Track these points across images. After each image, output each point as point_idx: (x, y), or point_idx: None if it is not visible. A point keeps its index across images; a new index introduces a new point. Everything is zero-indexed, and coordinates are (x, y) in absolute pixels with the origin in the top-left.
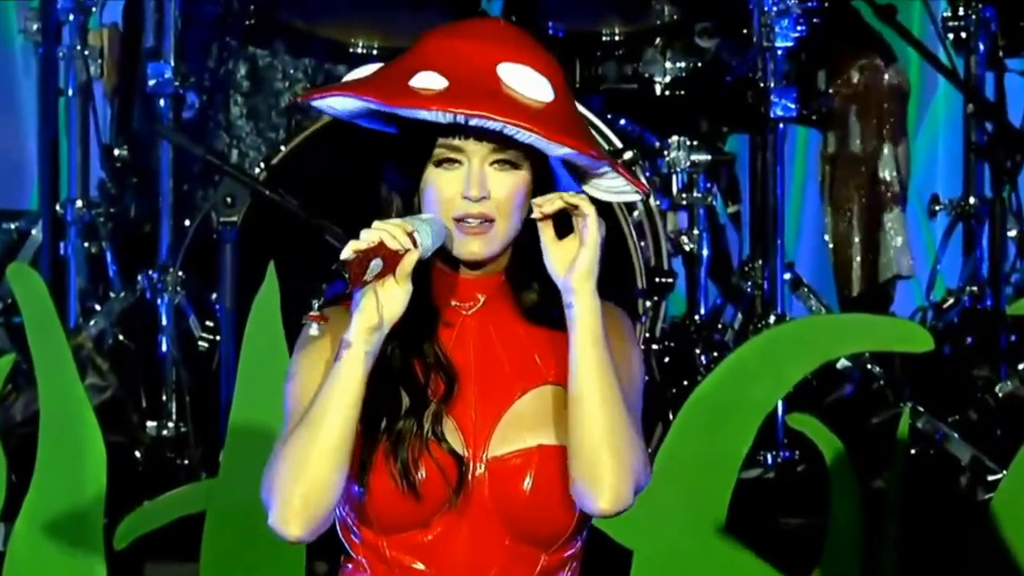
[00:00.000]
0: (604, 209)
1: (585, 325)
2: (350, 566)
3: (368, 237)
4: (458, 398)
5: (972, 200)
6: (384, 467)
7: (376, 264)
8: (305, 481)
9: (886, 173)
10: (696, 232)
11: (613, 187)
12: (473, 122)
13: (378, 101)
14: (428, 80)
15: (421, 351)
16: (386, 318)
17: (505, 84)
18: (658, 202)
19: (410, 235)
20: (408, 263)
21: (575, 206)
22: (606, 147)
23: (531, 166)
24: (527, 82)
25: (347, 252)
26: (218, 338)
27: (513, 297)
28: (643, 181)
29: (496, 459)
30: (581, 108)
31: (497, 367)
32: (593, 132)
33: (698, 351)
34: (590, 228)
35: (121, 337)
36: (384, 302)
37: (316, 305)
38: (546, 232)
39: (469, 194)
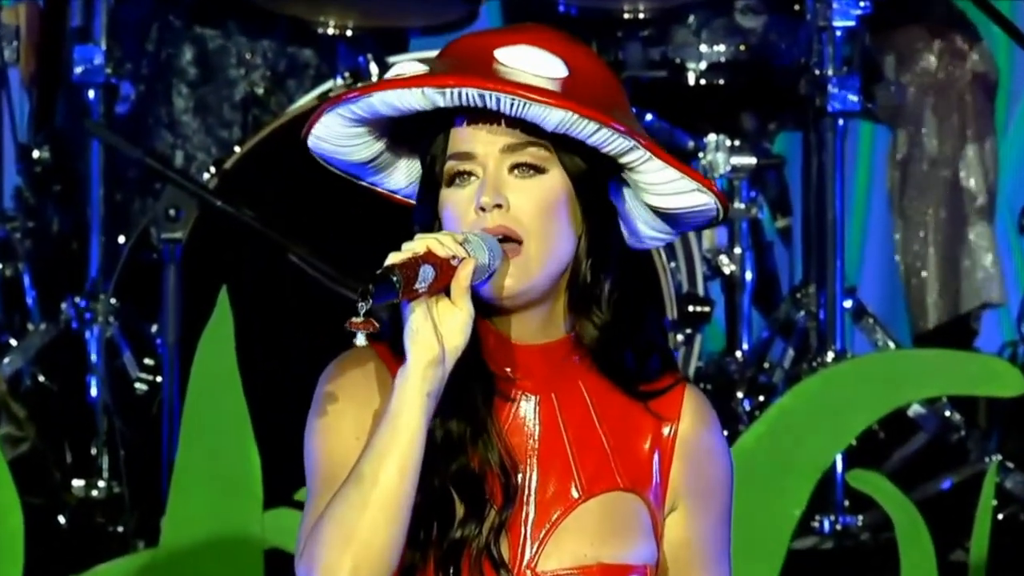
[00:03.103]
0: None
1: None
2: None
3: (412, 246)
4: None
5: None
6: None
7: (427, 271)
8: (356, 550)
9: (969, 180)
10: (738, 251)
11: (670, 185)
12: (451, 98)
13: (343, 100)
14: (404, 68)
15: (477, 436)
16: (448, 349)
17: (500, 63)
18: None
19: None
20: (464, 276)
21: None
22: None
23: (567, 169)
24: (530, 60)
25: (389, 260)
26: (159, 379)
27: (584, 366)
28: (696, 171)
29: (545, 573)
30: None
31: (560, 461)
32: (635, 121)
33: (740, 395)
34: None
35: (41, 378)
36: (443, 330)
37: (363, 309)
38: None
39: (480, 201)
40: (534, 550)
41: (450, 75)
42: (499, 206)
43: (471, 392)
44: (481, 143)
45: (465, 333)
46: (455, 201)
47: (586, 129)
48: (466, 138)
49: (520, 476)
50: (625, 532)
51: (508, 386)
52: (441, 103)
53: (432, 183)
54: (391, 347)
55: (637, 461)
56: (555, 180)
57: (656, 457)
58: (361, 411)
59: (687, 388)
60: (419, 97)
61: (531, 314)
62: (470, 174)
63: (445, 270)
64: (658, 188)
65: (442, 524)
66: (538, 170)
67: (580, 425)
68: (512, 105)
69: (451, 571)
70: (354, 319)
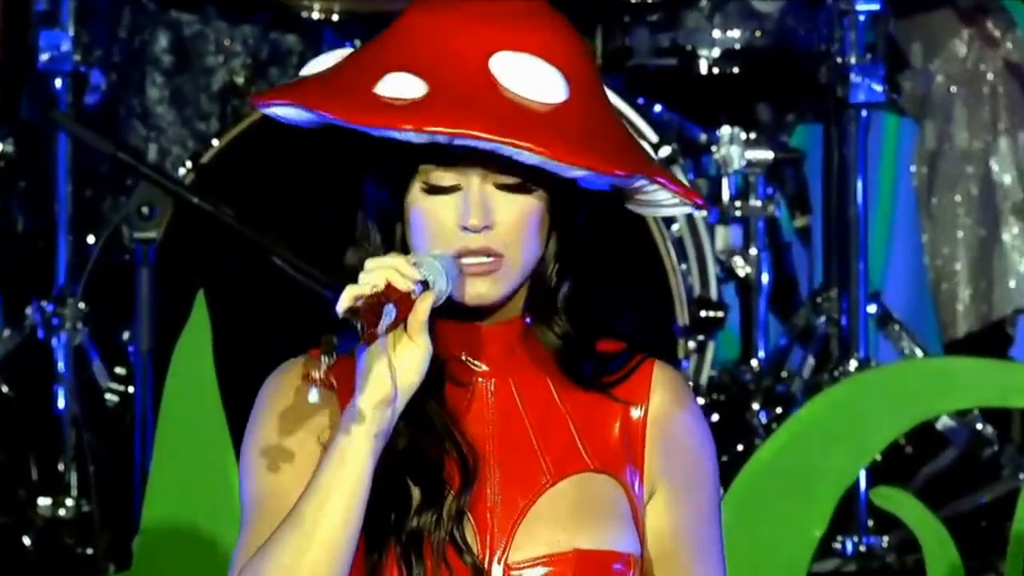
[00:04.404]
0: (634, 218)
1: None
2: None
3: (370, 280)
4: (475, 484)
5: None
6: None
7: (389, 310)
8: None
9: (1002, 176)
10: (753, 252)
11: (656, 200)
12: (458, 142)
13: (336, 117)
14: (400, 86)
15: (431, 424)
16: (402, 387)
17: (501, 84)
18: (704, 213)
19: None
20: (422, 310)
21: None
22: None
23: (548, 184)
24: (530, 77)
25: (347, 299)
26: (131, 389)
27: (541, 350)
28: (693, 189)
29: (518, 565)
30: (615, 99)
31: (523, 444)
32: (630, 131)
33: (756, 406)
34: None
35: (5, 389)
36: (398, 366)
37: (326, 363)
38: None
39: (468, 223)
40: (504, 542)
41: (439, 117)
42: (487, 227)
43: (424, 377)
44: (467, 159)
45: (421, 370)
46: (433, 213)
47: (586, 173)
48: (452, 150)
49: (480, 463)
50: (601, 516)
51: (462, 370)
52: (427, 140)
53: (398, 179)
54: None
55: (607, 444)
56: (539, 196)
57: (628, 441)
58: (295, 434)
59: (656, 365)
60: (414, 136)
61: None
62: (453, 185)
63: (404, 304)
64: (648, 202)
65: (398, 514)
66: (524, 188)
67: (542, 407)
68: (518, 154)
69: (412, 563)
70: (314, 374)
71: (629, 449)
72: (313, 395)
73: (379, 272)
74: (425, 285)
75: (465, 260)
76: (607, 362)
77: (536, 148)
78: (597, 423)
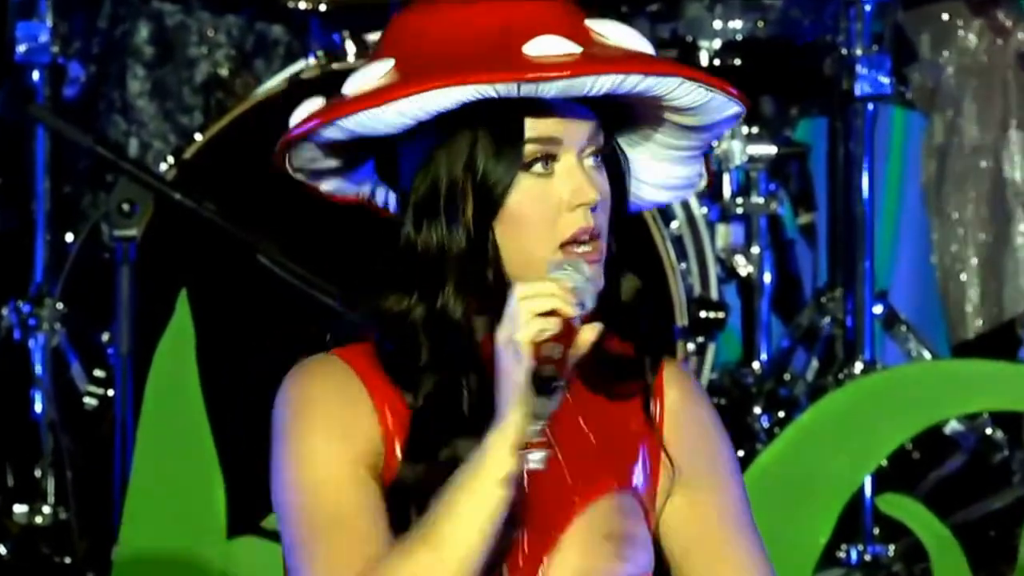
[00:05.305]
0: (633, 218)
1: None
2: None
3: (548, 303)
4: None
5: None
6: None
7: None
8: None
9: (1014, 171)
10: (755, 250)
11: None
12: (648, 87)
13: (495, 78)
14: (547, 44)
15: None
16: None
17: (606, 36)
18: (705, 210)
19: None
20: (584, 342)
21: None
22: None
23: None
24: (616, 27)
25: (539, 334)
26: (111, 392)
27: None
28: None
29: None
30: None
31: (552, 468)
32: None
33: (758, 410)
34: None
35: None
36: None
37: (538, 428)
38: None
39: (585, 199)
40: (538, 574)
41: (645, 60)
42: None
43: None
44: (569, 127)
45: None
46: (540, 193)
47: (660, 86)
48: (552, 121)
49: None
50: (625, 541)
51: None
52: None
53: (506, 164)
54: (376, 349)
55: (626, 457)
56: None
57: (645, 446)
58: (347, 430)
59: (666, 363)
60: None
61: None
62: (554, 158)
63: (570, 336)
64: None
65: None
66: (605, 159)
67: (567, 424)
68: (600, 84)
69: None
70: (533, 440)
71: (647, 456)
72: (538, 462)
73: (549, 299)
74: (581, 307)
75: (574, 246)
76: (627, 367)
77: (722, 86)
78: (616, 435)
